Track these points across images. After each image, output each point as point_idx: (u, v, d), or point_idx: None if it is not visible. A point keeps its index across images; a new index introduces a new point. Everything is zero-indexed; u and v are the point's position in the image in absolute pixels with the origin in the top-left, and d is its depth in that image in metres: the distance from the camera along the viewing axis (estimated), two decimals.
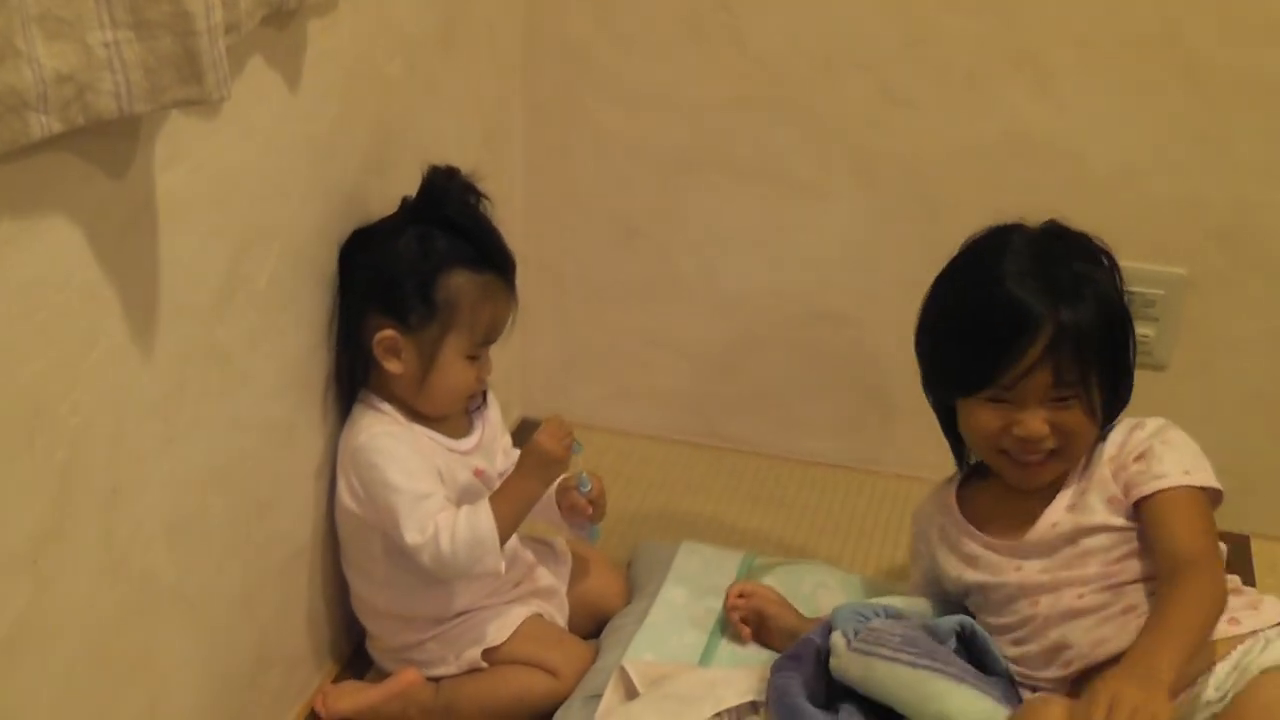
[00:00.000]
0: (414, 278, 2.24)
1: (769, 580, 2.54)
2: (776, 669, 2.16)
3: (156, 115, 1.71)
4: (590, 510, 2.44)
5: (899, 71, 2.80)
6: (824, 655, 2.15)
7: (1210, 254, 2.75)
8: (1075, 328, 2.11)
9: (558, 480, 2.42)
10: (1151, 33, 2.64)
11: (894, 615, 2.18)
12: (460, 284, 2.26)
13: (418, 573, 2.28)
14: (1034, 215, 2.78)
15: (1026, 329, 2.11)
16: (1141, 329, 2.77)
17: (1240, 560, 2.87)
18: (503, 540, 2.25)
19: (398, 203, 2.33)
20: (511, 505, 2.28)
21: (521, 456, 2.34)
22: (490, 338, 2.34)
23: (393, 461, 2.25)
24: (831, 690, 2.13)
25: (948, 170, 2.84)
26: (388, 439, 2.27)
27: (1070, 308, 2.12)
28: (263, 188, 2.02)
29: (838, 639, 2.12)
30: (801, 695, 2.09)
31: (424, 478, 2.26)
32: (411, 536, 2.21)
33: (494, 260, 2.31)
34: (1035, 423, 2.14)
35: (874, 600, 2.27)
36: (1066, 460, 2.20)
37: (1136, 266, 2.75)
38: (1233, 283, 2.76)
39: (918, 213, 2.89)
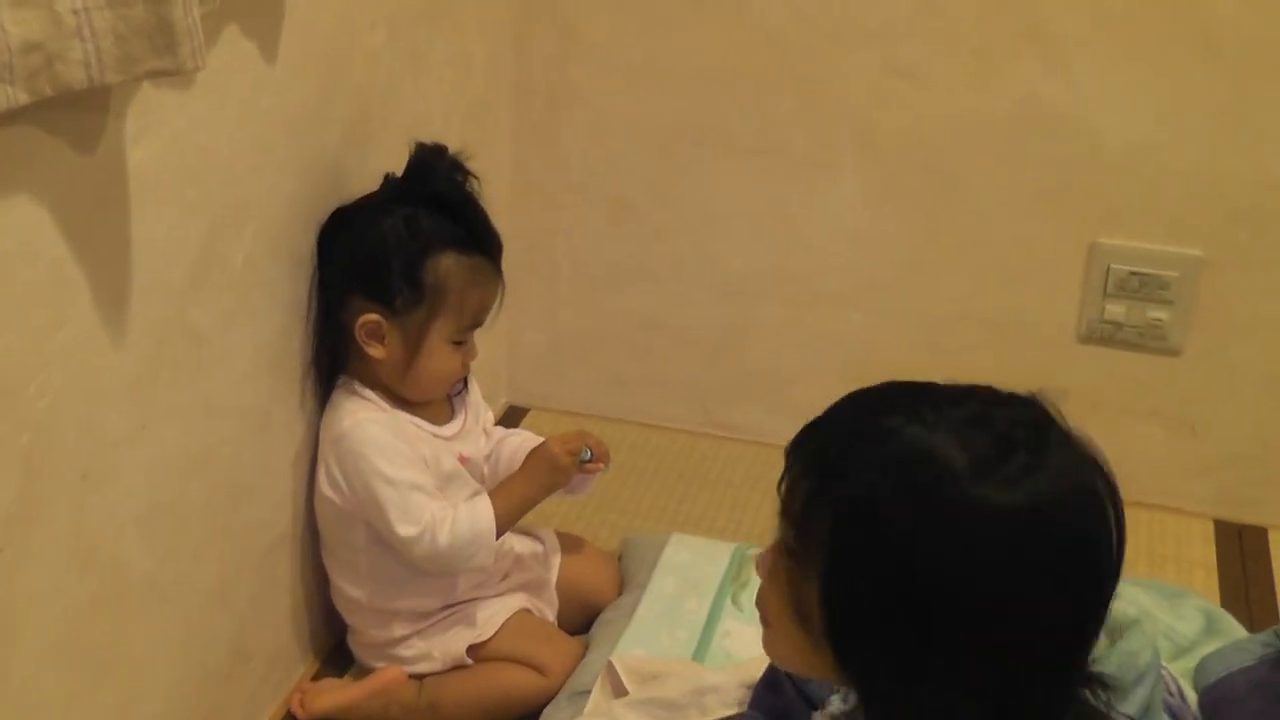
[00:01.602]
0: (400, 260, 2.20)
1: None
2: (753, 701, 2.09)
3: (128, 87, 1.68)
4: (601, 466, 2.41)
5: (905, 43, 2.74)
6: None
7: (1228, 233, 2.70)
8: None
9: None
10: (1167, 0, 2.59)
11: None
12: (449, 267, 2.22)
13: (401, 565, 2.26)
14: (1044, 191, 2.74)
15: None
16: (1155, 312, 2.75)
17: (1258, 553, 2.83)
18: (496, 538, 2.24)
19: (379, 179, 2.29)
20: (510, 505, 2.29)
21: (527, 460, 2.35)
22: (477, 322, 2.30)
23: (379, 450, 2.21)
24: None
25: (955, 146, 2.79)
26: (373, 426, 2.23)
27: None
28: (238, 162, 1.99)
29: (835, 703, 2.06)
30: None
31: (412, 467, 2.23)
32: (404, 529, 2.19)
33: (482, 242, 2.28)
34: None
35: None
36: None
37: (1151, 248, 2.73)
38: (1251, 263, 2.70)
39: (924, 190, 2.85)
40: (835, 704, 1.98)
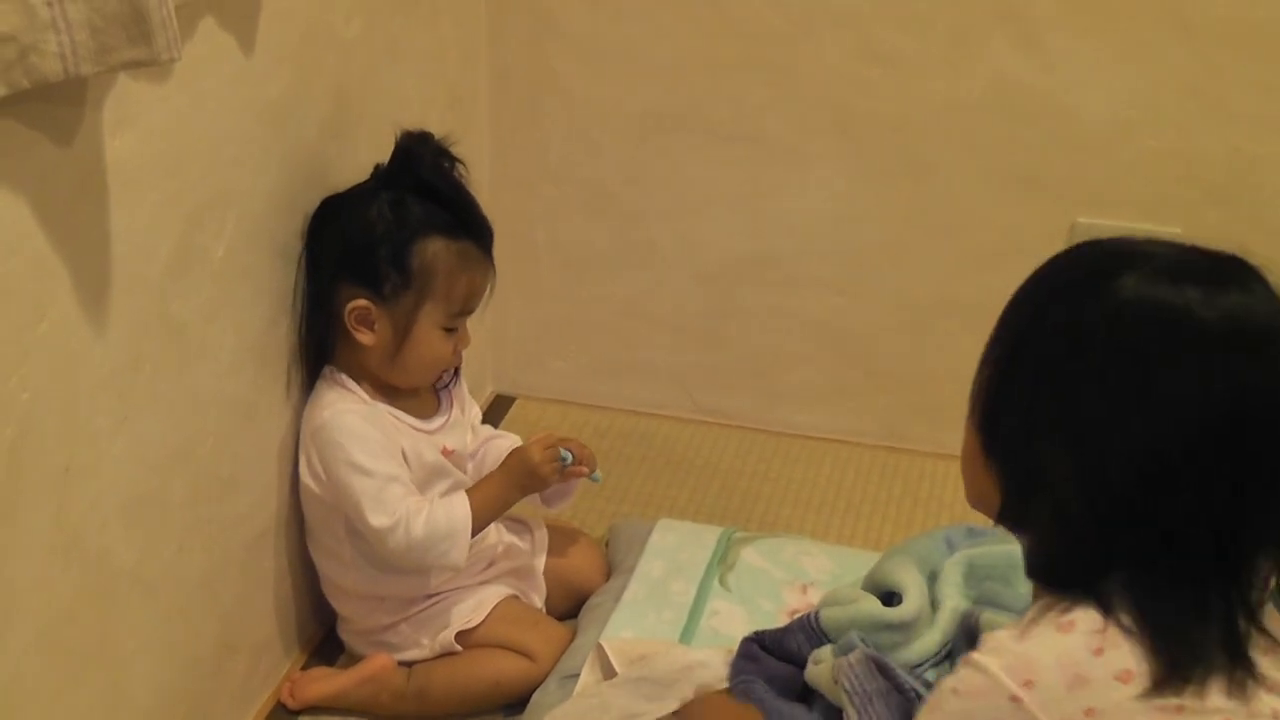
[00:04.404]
0: (387, 245, 2.19)
1: (749, 551, 2.52)
2: (735, 672, 2.12)
3: (104, 78, 1.67)
4: (585, 471, 2.40)
5: (880, 28, 2.74)
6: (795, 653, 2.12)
7: (1205, 211, 2.70)
8: None
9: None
10: None
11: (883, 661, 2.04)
12: (435, 251, 2.22)
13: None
14: (1022, 173, 2.73)
15: None
16: None
17: None
18: (471, 536, 2.24)
19: (358, 168, 2.28)
20: (486, 505, 2.28)
21: (507, 461, 2.35)
22: (467, 308, 2.29)
23: (357, 441, 2.21)
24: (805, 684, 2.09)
25: (932, 129, 2.79)
26: (351, 417, 2.22)
27: None
28: (217, 154, 1.98)
29: (825, 652, 2.06)
30: (769, 691, 2.04)
31: (389, 459, 2.22)
32: (378, 519, 2.18)
33: (470, 227, 2.27)
34: None
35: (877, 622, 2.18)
36: None
37: (1130, 226, 2.69)
38: (1229, 241, 2.65)
39: (902, 174, 2.84)
40: (825, 654, 2.01)
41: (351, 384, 2.26)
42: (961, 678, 1.37)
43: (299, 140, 2.21)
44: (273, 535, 2.29)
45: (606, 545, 2.67)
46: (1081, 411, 1.36)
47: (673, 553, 2.52)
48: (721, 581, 2.44)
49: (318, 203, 2.26)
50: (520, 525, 2.53)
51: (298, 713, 2.34)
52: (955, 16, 2.68)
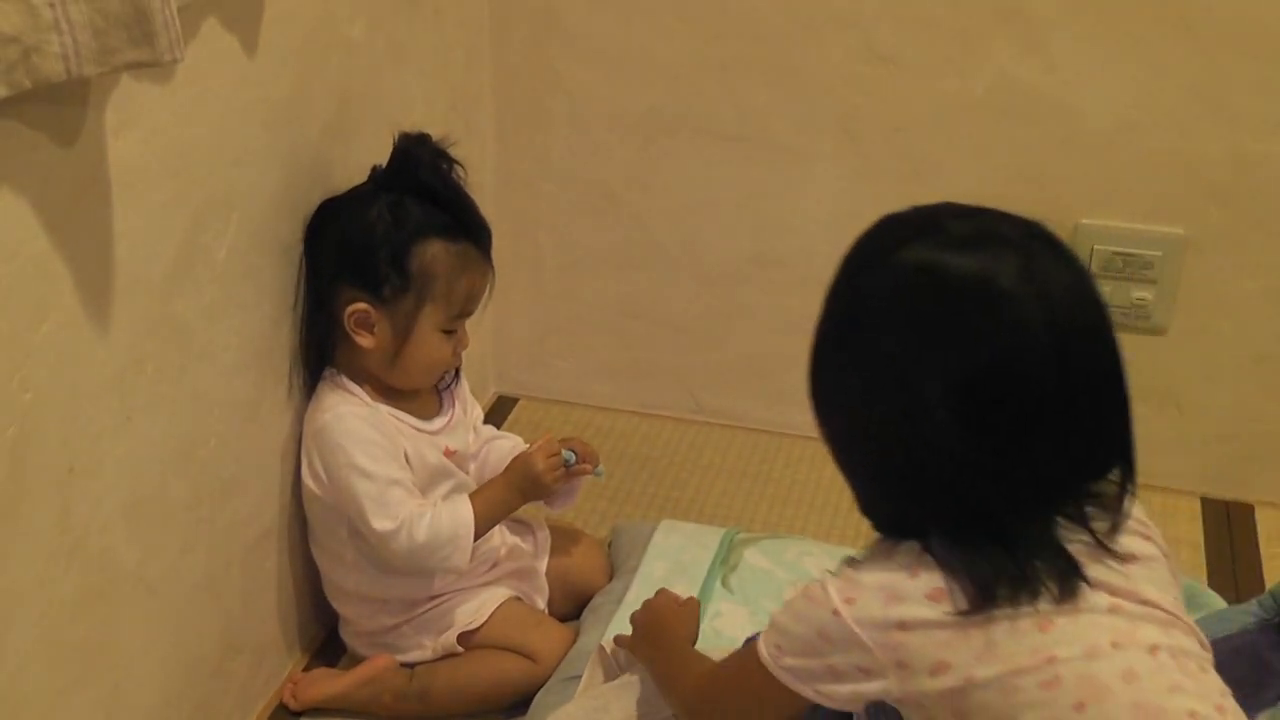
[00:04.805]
0: (387, 248, 2.19)
1: (752, 552, 2.53)
2: None
3: (107, 79, 1.67)
4: (588, 469, 2.41)
5: (883, 28, 2.73)
6: None
7: (1209, 211, 2.69)
8: None
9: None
10: None
11: None
12: (435, 254, 2.21)
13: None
14: (1025, 174, 2.73)
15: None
16: (1139, 292, 2.75)
17: (1244, 530, 2.83)
18: (473, 541, 2.24)
19: (361, 170, 2.28)
20: (488, 510, 2.29)
21: (509, 468, 2.34)
22: (467, 310, 2.29)
23: (358, 444, 2.21)
24: None
25: (935, 129, 2.78)
26: (353, 420, 2.22)
27: None
28: (220, 155, 1.98)
29: None
30: None
31: (391, 462, 2.22)
32: (380, 523, 2.18)
33: (469, 229, 2.26)
34: None
35: None
36: None
37: (1133, 227, 2.71)
38: (1232, 241, 2.70)
39: (905, 174, 2.84)
40: None
41: (353, 386, 2.26)
42: (809, 587, 1.56)
43: (302, 141, 2.21)
44: (275, 537, 2.29)
45: (609, 546, 2.67)
46: (862, 382, 1.55)
47: (675, 554, 2.52)
48: (724, 583, 2.44)
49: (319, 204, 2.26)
50: (523, 527, 2.53)
51: (300, 714, 2.34)
52: (958, 17, 2.68)
